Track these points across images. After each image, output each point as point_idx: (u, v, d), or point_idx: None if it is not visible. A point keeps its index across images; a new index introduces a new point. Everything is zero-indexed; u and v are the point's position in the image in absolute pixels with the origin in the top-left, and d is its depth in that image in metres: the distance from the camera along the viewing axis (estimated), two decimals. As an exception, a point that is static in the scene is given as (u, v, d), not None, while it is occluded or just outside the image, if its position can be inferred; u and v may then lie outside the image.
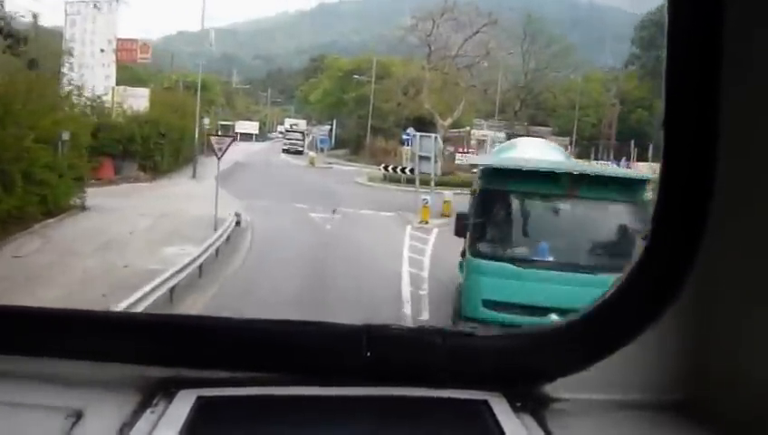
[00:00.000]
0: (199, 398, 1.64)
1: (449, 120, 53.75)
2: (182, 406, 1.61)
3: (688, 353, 1.65)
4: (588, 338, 1.74)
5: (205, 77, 48.59)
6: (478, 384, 1.71)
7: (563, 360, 1.71)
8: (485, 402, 1.65)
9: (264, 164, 47.76)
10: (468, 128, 58.19)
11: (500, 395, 1.68)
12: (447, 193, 26.79)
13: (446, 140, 51.64)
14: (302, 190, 31.80)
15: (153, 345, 1.76)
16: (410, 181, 33.46)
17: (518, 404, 1.66)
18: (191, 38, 76.19)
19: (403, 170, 36.19)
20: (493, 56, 52.15)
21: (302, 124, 63.53)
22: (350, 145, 58.70)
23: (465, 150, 52.33)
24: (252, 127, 79.59)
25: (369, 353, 1.67)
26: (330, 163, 50.56)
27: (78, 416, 1.58)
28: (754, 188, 1.47)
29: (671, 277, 1.62)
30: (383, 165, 39.10)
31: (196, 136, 35.92)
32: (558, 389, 1.69)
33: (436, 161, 27.70)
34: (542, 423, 1.63)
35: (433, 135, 30.31)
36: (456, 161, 48.11)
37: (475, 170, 14.71)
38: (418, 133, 30.68)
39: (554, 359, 1.74)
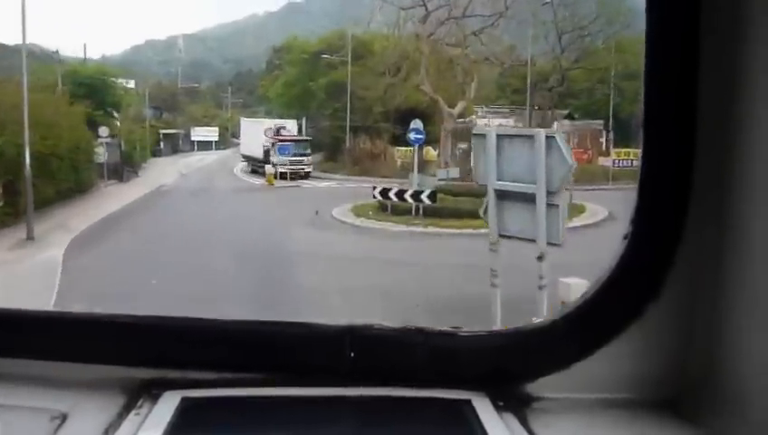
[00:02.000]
0: (184, 399, 1.64)
1: (459, 107, 39.31)
2: (167, 407, 1.61)
3: (670, 351, 1.65)
4: (569, 337, 1.74)
5: (96, 69, 33.78)
6: (461, 384, 1.71)
7: (545, 359, 1.72)
8: (468, 402, 1.66)
9: (199, 189, 32.84)
10: (474, 117, 43.79)
11: (483, 394, 1.68)
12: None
13: (454, 135, 37.46)
14: (218, 266, 15.60)
15: (138, 347, 1.75)
16: (428, 213, 19.03)
17: (501, 403, 1.67)
18: (160, 46, 73.43)
19: (417, 197, 21.26)
20: (513, 14, 37.51)
21: (291, 126, 42.64)
22: (325, 149, 43.77)
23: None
24: (210, 133, 71.46)
25: (352, 354, 1.67)
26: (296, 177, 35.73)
27: (63, 418, 1.58)
28: (733, 186, 1.49)
29: (652, 276, 1.63)
30: (377, 188, 23.85)
31: (27, 158, 20.02)
32: (540, 388, 1.70)
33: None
34: (524, 422, 1.63)
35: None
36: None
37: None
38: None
39: (536, 358, 1.74)
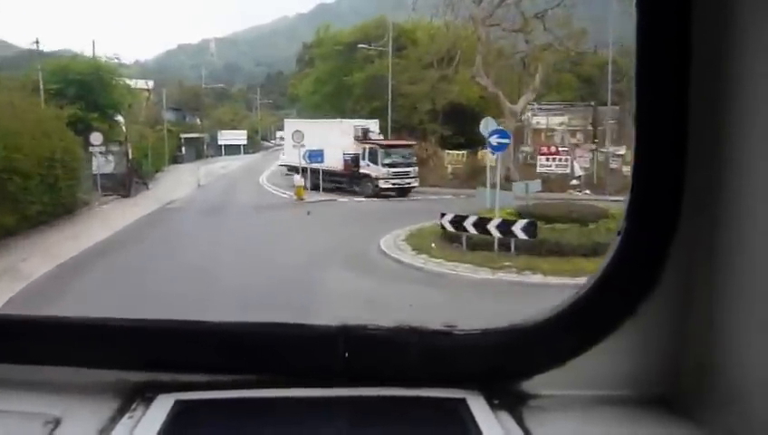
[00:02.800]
0: (177, 402, 1.64)
1: (521, 103, 33.37)
2: (160, 410, 1.61)
3: (665, 348, 1.65)
4: (564, 335, 1.73)
5: (89, 65, 28.13)
6: (456, 382, 1.71)
7: (540, 357, 1.72)
8: (463, 400, 1.66)
9: (215, 206, 27.26)
10: (529, 114, 37.99)
11: (477, 393, 1.68)
12: None
13: (516, 135, 31.36)
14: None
15: (131, 350, 1.75)
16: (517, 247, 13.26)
17: (496, 402, 1.66)
18: (192, 50, 72.66)
19: (507, 229, 15.03)
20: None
21: (373, 127, 32.92)
22: (362, 154, 37.84)
23: (554, 152, 31.83)
24: (238, 137, 67.24)
25: (346, 354, 1.67)
26: (330, 191, 29.86)
27: (56, 422, 1.57)
28: (726, 182, 1.49)
29: (646, 273, 1.63)
30: (447, 216, 17.02)
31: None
32: (535, 386, 1.70)
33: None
34: (519, 420, 1.62)
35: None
36: (539, 169, 31.16)
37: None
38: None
39: (531, 356, 1.74)
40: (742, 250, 1.46)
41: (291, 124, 35.65)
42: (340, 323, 1.70)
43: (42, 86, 24.79)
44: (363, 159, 29.70)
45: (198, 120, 65.57)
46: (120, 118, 30.69)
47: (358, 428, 1.64)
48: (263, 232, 20.94)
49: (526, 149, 34.65)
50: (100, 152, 28.74)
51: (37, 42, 26.72)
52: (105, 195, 30.37)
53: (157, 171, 41.77)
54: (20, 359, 1.72)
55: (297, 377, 1.71)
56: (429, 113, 35.11)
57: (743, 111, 1.43)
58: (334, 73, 41.33)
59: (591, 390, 1.68)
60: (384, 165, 29.13)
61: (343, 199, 28.57)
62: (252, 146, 74.19)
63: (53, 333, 1.80)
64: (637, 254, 1.65)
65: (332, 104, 41.79)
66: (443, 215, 17.12)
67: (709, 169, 1.51)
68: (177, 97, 62.08)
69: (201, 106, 66.16)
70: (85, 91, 27.26)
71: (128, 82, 33.78)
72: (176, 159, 52.17)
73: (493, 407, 1.64)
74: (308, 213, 21.58)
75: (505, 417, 1.62)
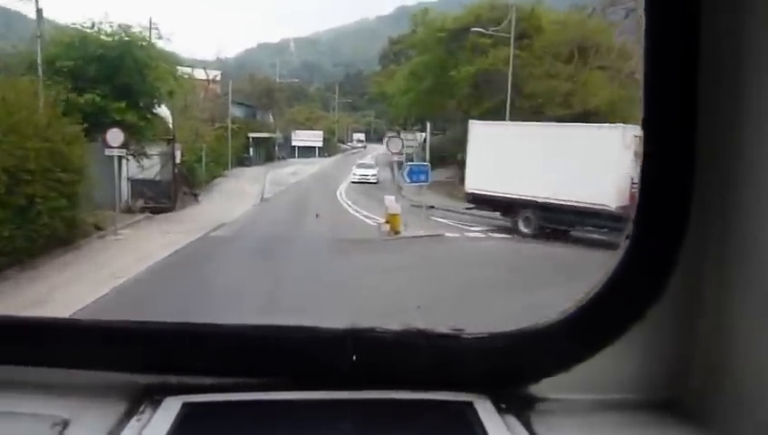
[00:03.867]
0: (185, 404, 1.64)
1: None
2: (168, 413, 1.61)
3: (673, 352, 1.66)
4: (572, 338, 1.74)
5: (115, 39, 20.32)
6: (463, 386, 1.71)
7: (548, 360, 1.72)
8: (470, 404, 1.66)
9: (276, 236, 19.69)
10: None
11: (485, 397, 1.68)
12: None
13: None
14: None
15: (139, 353, 1.75)
16: None
17: (503, 405, 1.66)
18: (271, 49, 70.51)
19: None
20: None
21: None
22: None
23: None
24: (313, 138, 62.56)
25: (354, 357, 1.67)
26: (441, 221, 21.87)
27: (64, 424, 1.58)
28: (735, 186, 1.50)
29: (654, 277, 1.63)
30: None
31: None
32: (543, 389, 1.70)
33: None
34: (527, 424, 1.63)
35: None
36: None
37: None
38: None
39: (539, 360, 1.74)
40: (750, 255, 1.46)
41: (488, 129, 23.10)
42: (348, 326, 1.68)
43: (41, 62, 17.30)
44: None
45: (271, 118, 58.98)
46: (162, 110, 23.38)
47: (365, 431, 1.63)
48: (340, 294, 12.98)
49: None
50: (133, 155, 21.63)
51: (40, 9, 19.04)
52: (141, 208, 23.34)
53: (215, 177, 34.88)
54: (28, 361, 1.71)
55: (305, 380, 1.72)
56: (562, 119, 26.60)
57: (753, 117, 1.43)
58: (434, 67, 33.41)
59: (599, 394, 1.69)
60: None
61: (452, 235, 20.36)
62: (327, 148, 68.25)
63: (62, 335, 1.80)
64: (645, 258, 1.66)
65: (428, 105, 33.80)
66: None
67: (718, 173, 1.53)
68: (249, 91, 55.61)
69: (274, 103, 59.45)
70: (110, 71, 19.68)
71: (181, 68, 26.72)
72: (242, 162, 45.51)
73: (500, 411, 1.64)
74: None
75: (513, 421, 1.62)
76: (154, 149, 23.90)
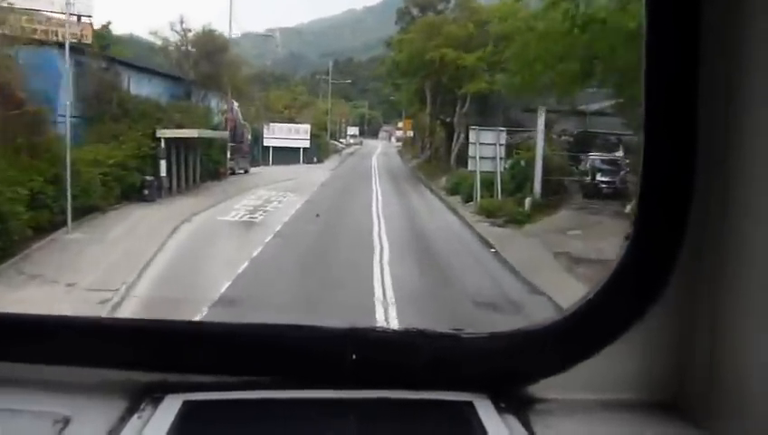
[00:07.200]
0: (186, 402, 1.65)
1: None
2: (169, 411, 1.62)
3: (672, 353, 1.66)
4: (572, 338, 1.74)
5: None
6: (462, 386, 1.71)
7: (547, 360, 1.72)
8: (470, 404, 1.66)
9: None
10: None
11: (484, 396, 1.68)
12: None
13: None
14: None
15: (140, 351, 1.76)
16: None
17: (502, 405, 1.67)
18: (256, 40, 66.77)
19: None
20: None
21: None
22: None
23: None
24: (296, 135, 46.27)
25: (353, 356, 1.68)
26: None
27: (65, 422, 1.59)
28: (735, 187, 1.49)
29: (654, 277, 1.64)
30: None
31: None
32: (542, 389, 1.70)
33: None
34: (526, 424, 1.63)
35: None
36: None
37: None
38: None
39: (538, 359, 1.75)
40: (750, 255, 1.45)
41: None
42: (347, 325, 1.69)
43: None
44: None
45: (223, 105, 36.22)
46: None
47: (364, 430, 1.63)
48: None
49: None
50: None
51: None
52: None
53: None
54: (30, 358, 1.70)
55: (304, 378, 1.71)
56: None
57: (753, 118, 1.42)
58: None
59: (598, 394, 1.68)
60: None
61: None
62: (317, 150, 48.61)
63: (63, 332, 1.79)
64: (644, 259, 1.65)
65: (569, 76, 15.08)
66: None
67: (718, 175, 1.52)
68: (177, 56, 33.47)
69: (223, 73, 32.80)
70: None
71: None
72: (127, 195, 22.42)
73: (499, 410, 1.64)
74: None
75: (512, 420, 1.62)
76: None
